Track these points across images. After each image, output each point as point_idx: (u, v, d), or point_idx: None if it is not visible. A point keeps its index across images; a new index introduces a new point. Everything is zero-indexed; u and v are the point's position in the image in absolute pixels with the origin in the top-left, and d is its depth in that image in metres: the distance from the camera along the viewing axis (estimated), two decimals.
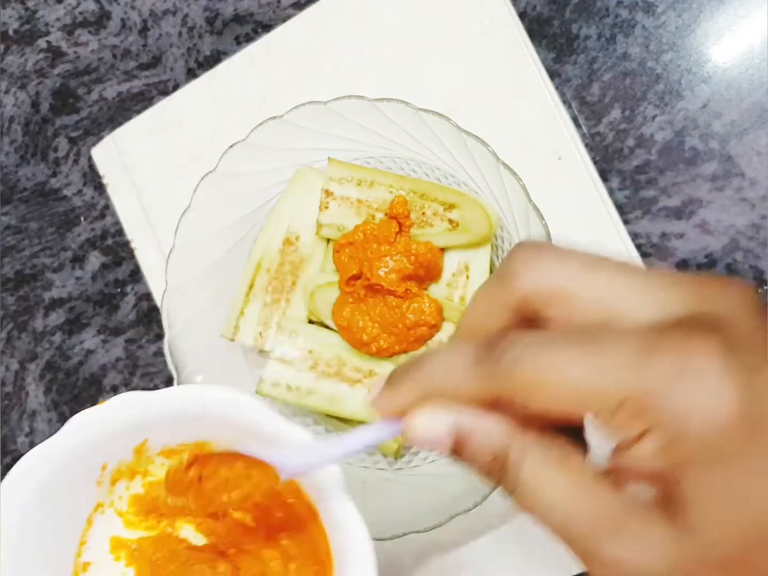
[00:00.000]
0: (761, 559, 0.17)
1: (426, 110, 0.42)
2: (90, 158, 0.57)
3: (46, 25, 0.58)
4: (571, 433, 0.21)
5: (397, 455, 0.45)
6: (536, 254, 0.20)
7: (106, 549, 0.36)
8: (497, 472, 0.20)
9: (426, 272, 0.44)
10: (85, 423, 0.32)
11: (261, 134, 0.45)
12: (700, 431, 0.17)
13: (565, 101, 0.49)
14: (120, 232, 0.56)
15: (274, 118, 0.44)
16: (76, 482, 0.34)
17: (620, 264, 0.20)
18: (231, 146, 0.45)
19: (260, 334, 0.46)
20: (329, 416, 0.46)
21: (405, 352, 0.44)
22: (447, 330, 0.43)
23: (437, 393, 0.21)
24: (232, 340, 0.47)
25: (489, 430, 0.20)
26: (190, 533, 0.37)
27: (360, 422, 0.45)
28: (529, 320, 0.21)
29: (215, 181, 0.45)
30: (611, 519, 0.18)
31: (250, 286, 0.47)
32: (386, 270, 0.43)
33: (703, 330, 0.17)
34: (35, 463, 0.32)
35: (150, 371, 0.55)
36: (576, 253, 0.20)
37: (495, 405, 0.20)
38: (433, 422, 0.21)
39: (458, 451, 0.21)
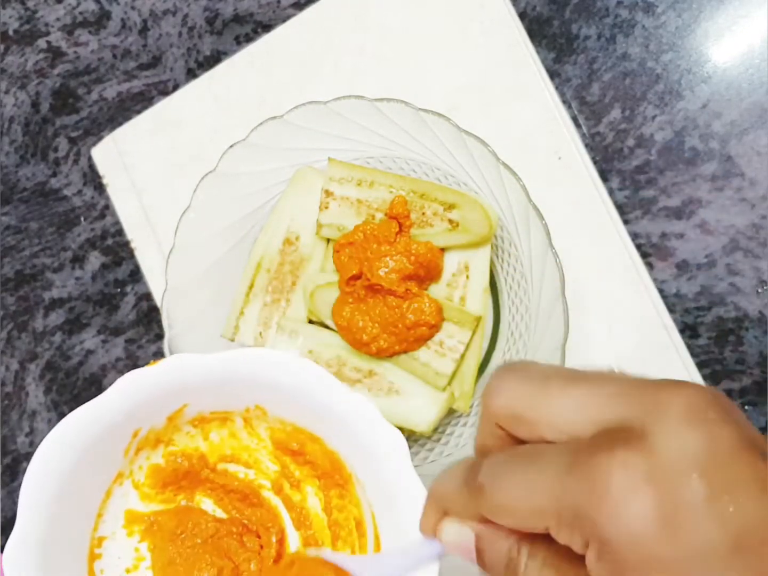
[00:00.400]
0: None
1: (426, 110, 0.42)
2: (90, 158, 0.57)
3: (46, 25, 0.58)
4: None
5: None
6: (500, 381, 0.22)
7: (120, 523, 0.35)
8: None
9: (426, 272, 0.44)
10: (132, 384, 0.31)
11: (261, 134, 0.45)
12: (624, 542, 0.18)
13: (565, 101, 0.49)
14: (120, 232, 0.56)
15: (274, 118, 0.44)
16: (109, 448, 0.33)
17: (571, 376, 0.21)
18: (231, 146, 0.45)
19: (260, 334, 0.46)
20: None
21: (405, 351, 0.44)
22: (447, 330, 0.43)
23: (447, 511, 0.24)
24: (232, 340, 0.47)
25: (496, 542, 0.22)
26: (210, 506, 0.37)
27: None
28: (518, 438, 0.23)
29: (215, 181, 0.45)
30: None
31: (250, 286, 0.47)
32: (386, 270, 0.43)
33: (625, 442, 0.19)
34: (79, 424, 0.31)
35: None
36: (534, 372, 0.22)
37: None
38: (456, 536, 0.24)
39: (479, 560, 0.23)
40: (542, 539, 0.21)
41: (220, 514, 0.37)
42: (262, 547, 0.36)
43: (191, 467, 0.36)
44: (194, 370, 0.31)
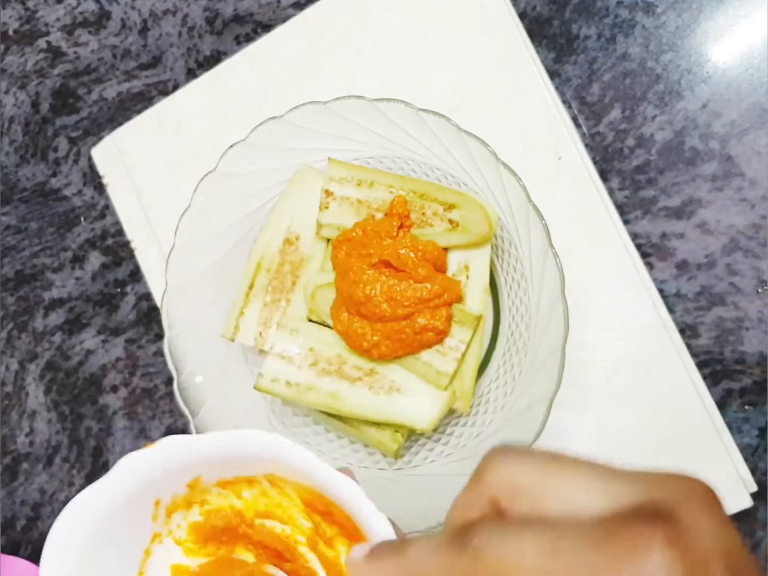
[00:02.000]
0: None
1: (426, 110, 0.42)
2: (90, 158, 0.57)
3: (46, 25, 0.58)
4: None
5: (397, 455, 0.45)
6: (502, 456, 0.23)
7: None
8: None
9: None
10: (133, 465, 0.32)
11: (261, 134, 0.45)
12: None
13: (565, 101, 0.49)
14: (120, 232, 0.56)
15: (274, 118, 0.44)
16: (129, 520, 0.33)
17: (577, 460, 0.22)
18: (231, 146, 0.45)
19: (260, 334, 0.46)
20: (329, 415, 0.46)
21: (407, 355, 0.43)
22: (456, 335, 0.43)
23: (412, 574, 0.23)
24: (232, 340, 0.47)
25: None
26: (250, 559, 0.38)
27: (359, 420, 0.45)
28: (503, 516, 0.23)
29: (215, 181, 0.45)
30: None
31: (250, 286, 0.47)
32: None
33: (650, 520, 0.19)
34: (85, 507, 0.32)
35: (150, 371, 0.55)
36: (538, 453, 0.23)
37: None
38: None
39: None
40: None
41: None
42: None
43: (228, 524, 0.37)
44: (192, 450, 0.32)
